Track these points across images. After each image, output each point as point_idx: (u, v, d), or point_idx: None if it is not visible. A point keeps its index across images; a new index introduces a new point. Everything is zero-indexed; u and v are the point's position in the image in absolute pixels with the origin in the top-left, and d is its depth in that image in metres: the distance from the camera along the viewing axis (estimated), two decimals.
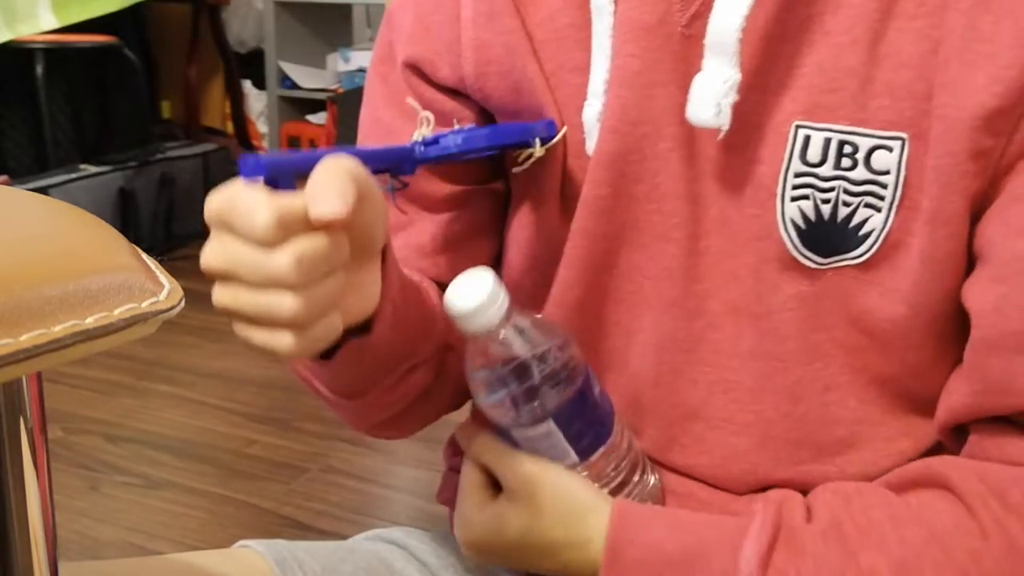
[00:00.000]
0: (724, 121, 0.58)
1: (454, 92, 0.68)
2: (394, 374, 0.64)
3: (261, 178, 0.51)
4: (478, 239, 0.71)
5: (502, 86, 0.66)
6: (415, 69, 0.69)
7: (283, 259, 0.49)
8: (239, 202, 0.50)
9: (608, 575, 0.60)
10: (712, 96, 0.58)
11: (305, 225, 0.49)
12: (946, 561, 0.55)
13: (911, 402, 0.63)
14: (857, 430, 0.63)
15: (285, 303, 0.50)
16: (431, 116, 0.66)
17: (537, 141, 0.64)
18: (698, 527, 0.60)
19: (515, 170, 0.66)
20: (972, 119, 0.55)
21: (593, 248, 0.65)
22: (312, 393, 0.69)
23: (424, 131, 0.64)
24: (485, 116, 0.69)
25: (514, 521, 0.63)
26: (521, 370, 0.60)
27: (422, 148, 0.62)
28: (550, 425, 0.61)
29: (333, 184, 0.49)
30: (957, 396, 0.60)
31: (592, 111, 0.63)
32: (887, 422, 0.63)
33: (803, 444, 0.63)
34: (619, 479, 0.64)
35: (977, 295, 0.58)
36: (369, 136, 0.73)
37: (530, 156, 0.64)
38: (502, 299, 0.59)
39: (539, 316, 0.63)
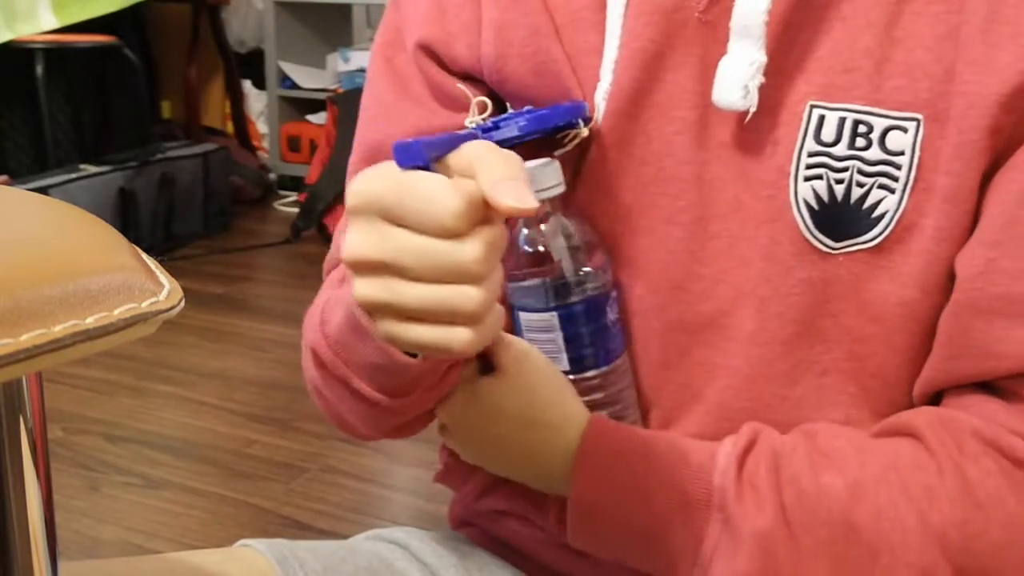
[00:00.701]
0: (752, 103, 0.59)
1: (464, 76, 0.68)
2: (439, 372, 0.63)
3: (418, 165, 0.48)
4: None
5: (522, 69, 0.65)
6: (428, 50, 0.68)
7: (474, 250, 0.47)
8: (416, 187, 0.47)
9: (582, 460, 0.61)
10: (739, 78, 0.59)
11: (486, 214, 0.48)
12: (901, 490, 0.56)
13: (910, 390, 0.63)
14: (852, 414, 0.63)
15: (470, 296, 0.48)
16: (488, 101, 0.65)
17: (581, 121, 0.64)
18: (676, 436, 0.63)
19: (558, 152, 0.65)
20: (997, 95, 0.56)
21: (597, 229, 0.65)
22: (336, 388, 0.65)
23: (476, 117, 0.63)
24: (493, 101, 0.68)
25: (495, 391, 0.63)
26: (547, 252, 0.63)
27: (481, 135, 0.60)
28: (554, 319, 0.63)
29: (515, 173, 0.48)
30: (932, 363, 0.60)
31: (600, 92, 0.64)
32: (883, 411, 0.63)
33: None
34: (602, 413, 0.65)
35: (966, 259, 0.58)
36: (371, 117, 0.72)
37: (576, 137, 0.64)
38: (560, 182, 0.63)
39: (590, 229, 0.65)
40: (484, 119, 0.63)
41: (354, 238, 0.49)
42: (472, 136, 0.57)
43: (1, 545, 0.36)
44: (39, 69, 2.97)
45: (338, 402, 0.66)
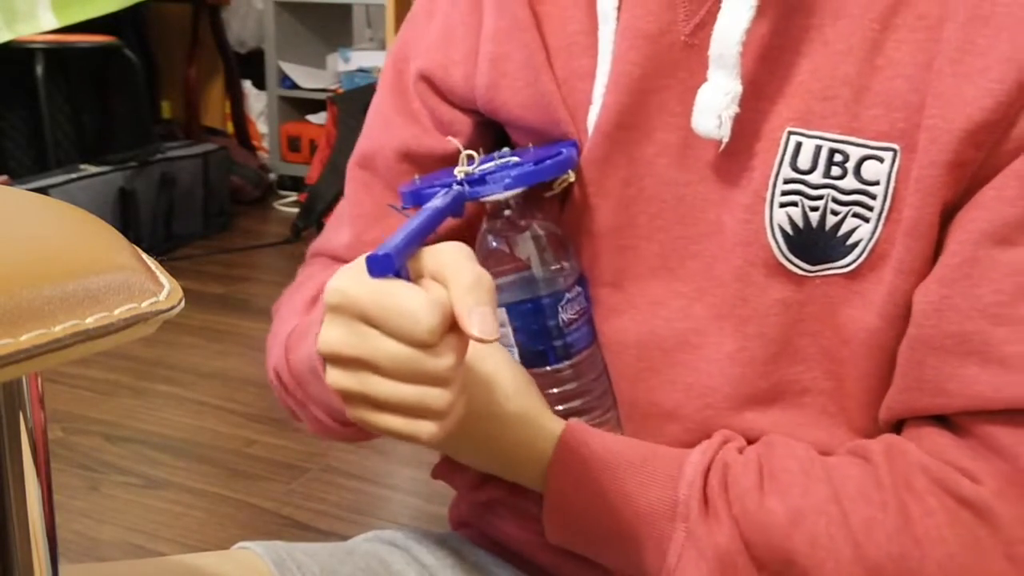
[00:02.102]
0: (725, 133, 0.59)
1: (461, 105, 0.70)
2: None
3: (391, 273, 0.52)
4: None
5: (513, 101, 0.67)
6: (427, 80, 0.70)
7: (446, 360, 0.51)
8: (395, 300, 0.50)
9: (553, 469, 0.62)
10: (714, 107, 0.59)
11: (453, 321, 0.51)
12: (841, 522, 0.57)
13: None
14: (833, 432, 0.63)
15: (440, 397, 0.52)
16: (474, 154, 0.67)
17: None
18: (647, 443, 0.64)
19: (547, 194, 0.67)
20: (960, 131, 0.55)
21: (581, 244, 0.66)
22: (295, 405, 0.71)
23: (466, 168, 0.65)
24: (482, 128, 0.70)
25: (473, 391, 0.62)
26: (509, 251, 0.65)
27: (468, 188, 0.63)
28: (502, 314, 0.65)
29: (483, 297, 0.51)
30: (891, 392, 0.61)
31: (592, 115, 0.64)
32: (862, 431, 0.63)
33: None
34: (559, 409, 0.66)
35: (922, 295, 0.58)
36: (370, 125, 0.75)
37: (563, 182, 0.66)
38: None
39: (552, 225, 0.67)
40: (471, 171, 0.65)
41: (332, 333, 0.53)
42: (460, 197, 0.61)
43: (1, 545, 0.36)
44: (39, 69, 2.97)
45: (298, 413, 0.71)
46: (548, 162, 0.63)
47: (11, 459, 0.36)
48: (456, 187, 0.62)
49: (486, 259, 0.65)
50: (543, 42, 0.66)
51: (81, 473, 1.77)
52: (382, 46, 3.48)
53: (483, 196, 0.63)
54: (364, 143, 0.74)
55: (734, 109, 0.59)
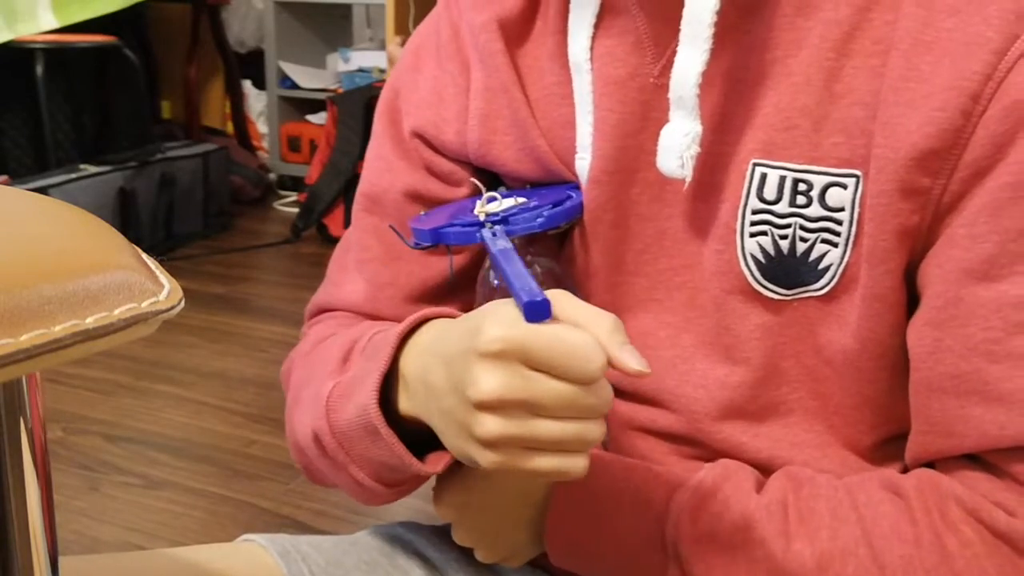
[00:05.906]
0: (688, 172, 0.60)
1: (454, 159, 0.72)
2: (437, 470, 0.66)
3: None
4: (463, 292, 0.73)
5: (505, 155, 0.69)
6: (421, 137, 0.72)
7: (608, 392, 0.52)
8: (564, 344, 0.51)
9: (554, 502, 0.63)
10: (676, 148, 0.60)
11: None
12: (871, 564, 0.57)
13: (875, 431, 0.64)
14: (823, 450, 0.64)
15: (597, 430, 0.53)
16: (496, 195, 0.68)
17: None
18: (644, 472, 0.64)
19: (551, 232, 0.68)
20: (905, 159, 0.55)
21: (575, 284, 0.69)
22: (332, 469, 0.69)
23: (485, 207, 0.67)
24: (479, 174, 0.72)
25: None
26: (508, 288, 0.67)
27: (505, 227, 0.65)
28: None
29: (626, 338, 0.53)
30: (911, 437, 0.61)
31: (583, 164, 0.66)
32: (850, 447, 0.64)
33: (771, 467, 0.64)
34: None
35: (914, 337, 0.58)
36: (373, 170, 0.76)
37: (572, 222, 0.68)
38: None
39: (559, 270, 0.69)
40: (495, 211, 0.66)
41: (493, 381, 0.52)
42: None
43: (1, 545, 0.36)
44: (39, 69, 2.96)
45: (331, 477, 0.70)
46: (569, 203, 0.66)
47: (11, 459, 0.36)
48: (496, 226, 0.64)
49: (490, 296, 0.67)
50: (525, 96, 0.68)
51: (81, 473, 1.77)
52: (382, 46, 3.48)
53: (518, 235, 0.65)
54: (367, 186, 0.76)
55: (695, 149, 0.59)
